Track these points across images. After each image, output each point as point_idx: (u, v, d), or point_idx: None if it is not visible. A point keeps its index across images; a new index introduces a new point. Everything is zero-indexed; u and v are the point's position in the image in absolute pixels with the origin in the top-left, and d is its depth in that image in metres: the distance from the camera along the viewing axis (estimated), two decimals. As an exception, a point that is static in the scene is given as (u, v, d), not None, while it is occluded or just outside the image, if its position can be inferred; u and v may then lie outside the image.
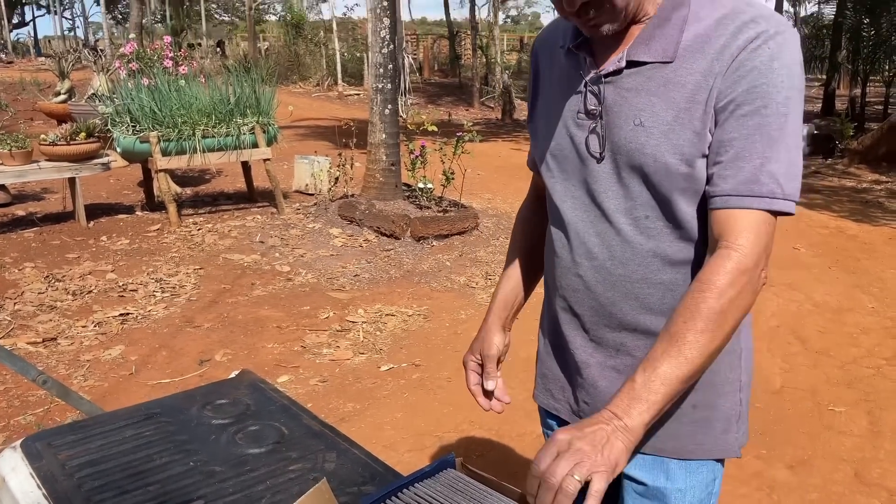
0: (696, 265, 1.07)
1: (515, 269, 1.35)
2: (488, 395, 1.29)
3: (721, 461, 1.20)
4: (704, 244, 1.05)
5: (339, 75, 20.43)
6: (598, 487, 0.85)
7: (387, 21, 5.77)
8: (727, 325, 0.96)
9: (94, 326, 3.94)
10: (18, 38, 39.91)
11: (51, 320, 4.00)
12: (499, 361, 1.30)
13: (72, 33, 38.67)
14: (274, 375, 3.50)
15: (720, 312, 0.95)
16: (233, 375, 1.71)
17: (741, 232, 0.97)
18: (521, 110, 16.12)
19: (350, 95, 19.30)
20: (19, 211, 6.20)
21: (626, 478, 1.20)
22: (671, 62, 1.01)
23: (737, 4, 1.01)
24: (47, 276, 4.62)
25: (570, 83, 1.12)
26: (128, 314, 4.12)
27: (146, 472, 1.24)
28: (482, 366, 1.29)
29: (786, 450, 2.85)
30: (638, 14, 1.04)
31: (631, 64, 1.04)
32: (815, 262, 5.35)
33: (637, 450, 1.10)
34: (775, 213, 0.99)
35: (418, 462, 2.80)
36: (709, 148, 1.00)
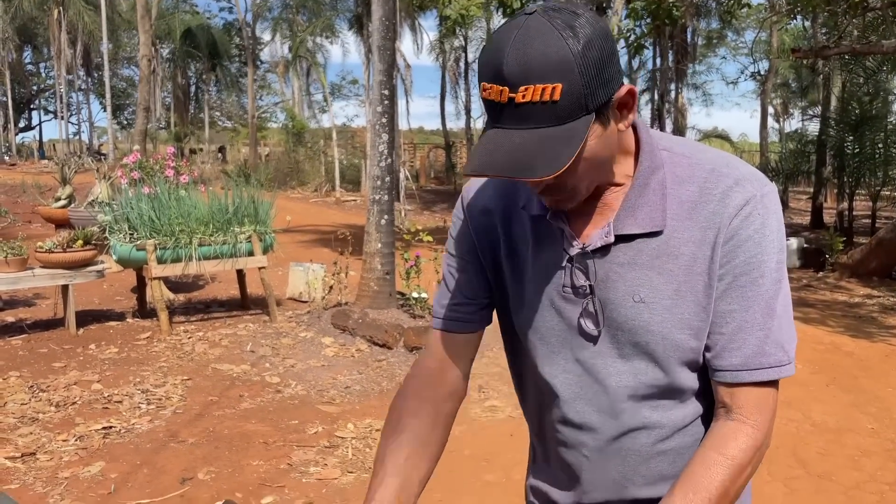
0: (701, 421, 1.06)
1: (401, 469, 1.06)
2: None
3: None
4: (705, 399, 1.05)
5: (338, 181, 20.92)
6: None
7: (385, 136, 5.97)
8: (738, 495, 0.98)
9: (76, 440, 3.82)
10: (23, 142, 41.05)
11: (31, 433, 3.88)
12: None
13: (76, 137, 39.83)
14: (258, 496, 3.36)
15: (739, 488, 0.97)
16: (213, 511, 1.64)
17: (754, 407, 0.98)
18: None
19: (347, 201, 19.68)
20: (9, 317, 6.16)
21: None
22: (661, 232, 0.98)
23: (715, 164, 0.98)
24: (31, 387, 4.52)
25: (545, 252, 1.04)
26: (111, 427, 4.00)
27: None
28: None
29: (793, 585, 2.71)
30: (603, 187, 1.00)
31: (619, 238, 0.99)
32: (812, 378, 5.29)
33: None
34: (778, 381, 1.00)
35: None
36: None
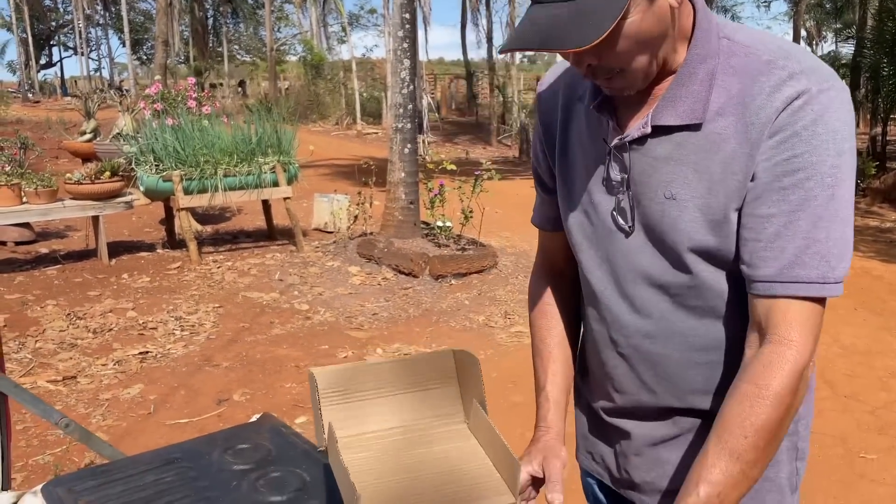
0: (737, 341, 0.97)
1: (558, 369, 1.17)
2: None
3: None
4: (743, 318, 0.95)
5: (358, 114, 20.72)
6: None
7: (407, 62, 5.85)
8: (784, 430, 0.90)
9: (114, 365, 3.94)
10: (45, 79, 41.03)
11: (71, 358, 4.01)
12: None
13: (97, 73, 39.68)
14: (291, 416, 3.46)
15: (780, 422, 0.88)
16: (254, 419, 1.69)
17: (791, 325, 0.88)
18: (539, 149, 16.18)
19: (368, 134, 19.54)
20: (43, 248, 6.28)
21: None
22: (700, 125, 0.90)
23: (773, 56, 0.89)
24: (69, 314, 4.65)
25: (593, 145, 1.02)
26: (147, 353, 4.12)
27: (166, 519, 1.21)
28: (535, 480, 1.08)
29: (816, 497, 2.77)
30: (664, 72, 0.93)
31: (657, 129, 0.93)
32: (840, 302, 5.25)
33: None
34: (822, 299, 0.89)
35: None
36: (746, 223, 0.91)
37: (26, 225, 6.24)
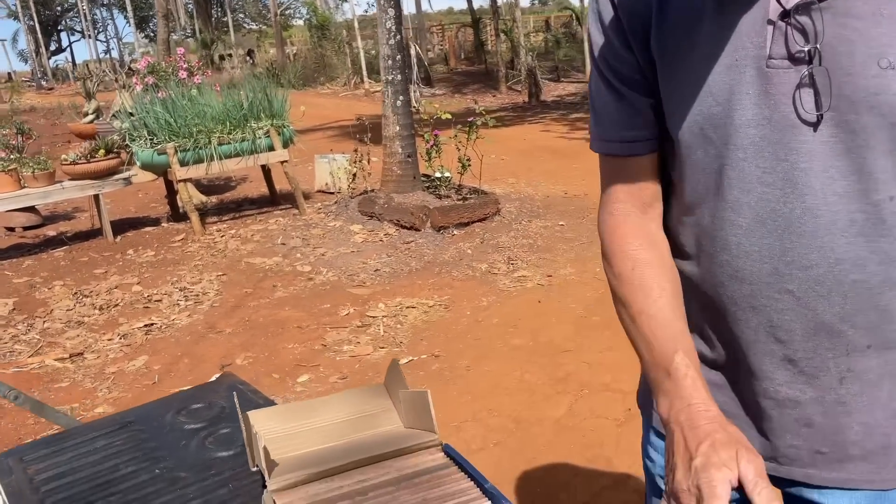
0: None
1: (685, 340, 0.84)
2: None
3: None
4: None
5: (365, 73, 20.48)
6: None
7: (392, 11, 5.72)
8: None
9: (120, 339, 4.00)
10: (57, 65, 41.10)
11: (78, 336, 4.07)
12: None
13: (107, 55, 39.57)
14: (294, 375, 3.49)
15: None
16: (213, 378, 1.68)
17: None
18: (549, 91, 15.92)
19: (376, 92, 19.32)
20: (50, 231, 6.35)
21: None
22: None
23: None
24: (75, 293, 4.71)
25: (732, 15, 0.76)
26: (152, 325, 4.17)
27: (111, 482, 1.22)
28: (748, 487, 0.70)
29: None
30: None
31: None
32: None
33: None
34: None
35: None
36: None
37: (32, 209, 6.30)
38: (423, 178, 6.12)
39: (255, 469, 1.00)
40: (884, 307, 0.79)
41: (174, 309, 4.39)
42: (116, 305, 4.49)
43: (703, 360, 0.92)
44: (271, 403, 1.49)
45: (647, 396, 1.04)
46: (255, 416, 1.11)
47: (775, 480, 0.90)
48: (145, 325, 4.15)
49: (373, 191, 6.23)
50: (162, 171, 5.97)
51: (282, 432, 1.10)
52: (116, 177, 5.68)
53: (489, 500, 0.87)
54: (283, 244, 5.48)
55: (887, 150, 0.73)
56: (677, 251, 0.92)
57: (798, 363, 0.84)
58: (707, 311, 0.90)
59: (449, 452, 0.97)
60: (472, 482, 0.91)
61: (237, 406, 1.03)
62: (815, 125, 0.74)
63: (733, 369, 0.90)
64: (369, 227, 5.64)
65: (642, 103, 0.88)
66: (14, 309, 4.49)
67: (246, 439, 1.03)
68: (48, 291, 4.78)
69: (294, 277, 4.80)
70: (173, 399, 1.52)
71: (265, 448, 0.95)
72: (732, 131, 0.78)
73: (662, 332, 0.84)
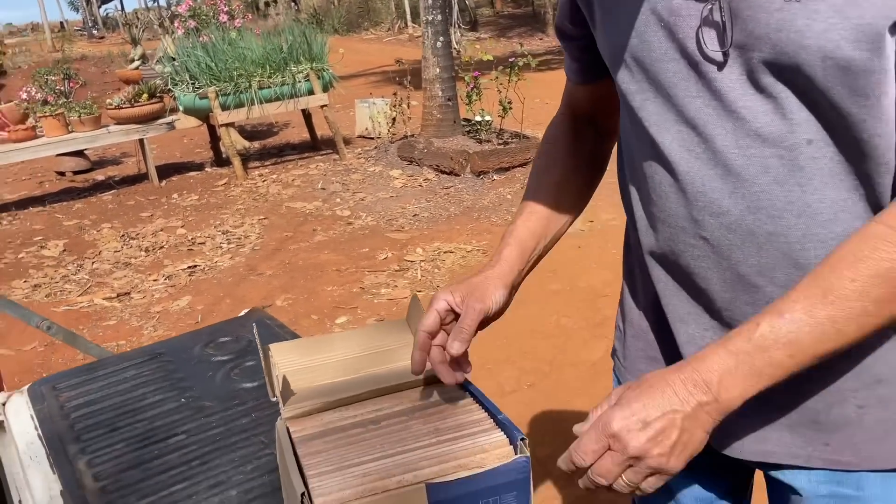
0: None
1: (539, 210, 0.95)
2: (444, 356, 0.90)
3: None
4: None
5: (409, 17, 20.14)
6: (656, 486, 0.70)
7: (432, -51, 5.55)
8: None
9: (165, 280, 4.09)
10: (108, 14, 41.44)
11: (125, 276, 4.18)
12: (483, 324, 0.90)
13: (155, 3, 39.73)
14: (332, 317, 3.53)
15: None
16: (242, 313, 1.70)
17: None
18: (594, 35, 15.41)
19: (420, 37, 19.04)
20: (99, 175, 6.50)
21: (791, 492, 0.85)
22: None
23: None
24: (123, 235, 4.83)
25: None
26: (195, 266, 4.25)
27: (138, 409, 1.24)
28: (458, 315, 0.89)
29: None
30: None
31: None
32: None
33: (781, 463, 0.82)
34: None
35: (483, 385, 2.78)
36: None
37: (81, 154, 6.44)
38: (463, 122, 6.03)
39: (274, 399, 1.00)
40: (805, 264, 0.73)
41: (217, 251, 4.47)
42: (162, 248, 4.59)
43: (638, 305, 0.95)
44: (296, 337, 1.49)
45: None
46: (275, 348, 1.11)
47: (734, 466, 0.88)
48: (189, 267, 4.24)
49: (412, 135, 6.17)
50: (204, 115, 6.01)
51: (301, 364, 1.10)
52: (160, 121, 5.74)
53: (501, 430, 0.85)
54: (323, 189, 5.50)
55: (798, 89, 0.67)
56: (626, 198, 0.92)
57: (718, 313, 0.81)
58: (638, 254, 0.90)
59: (464, 385, 0.95)
60: (486, 413, 0.89)
61: (256, 337, 1.02)
62: (720, 64, 0.70)
63: (661, 316, 0.88)
64: (408, 173, 5.61)
65: (580, 46, 0.94)
66: (64, 250, 4.63)
67: (265, 370, 1.03)
68: (97, 234, 4.91)
69: (333, 222, 4.83)
70: (202, 332, 1.54)
71: (281, 377, 0.95)
72: (649, 65, 0.76)
73: (520, 208, 0.97)
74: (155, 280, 4.10)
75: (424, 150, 5.63)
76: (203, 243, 4.62)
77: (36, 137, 5.41)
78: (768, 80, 0.69)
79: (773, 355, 0.66)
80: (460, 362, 0.90)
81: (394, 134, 6.41)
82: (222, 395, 1.26)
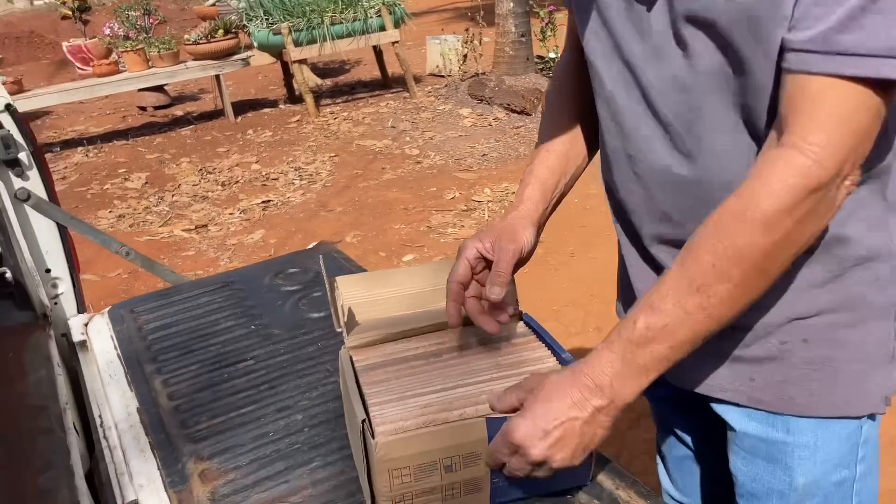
0: None
1: (556, 148, 0.94)
2: (481, 307, 0.88)
3: (872, 416, 0.83)
4: None
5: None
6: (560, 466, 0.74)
7: None
8: (775, 269, 0.67)
9: (240, 213, 4.21)
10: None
11: (202, 209, 4.32)
12: (517, 265, 0.89)
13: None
14: (400, 254, 3.57)
15: (767, 253, 0.65)
16: (311, 246, 1.72)
17: (818, 121, 0.62)
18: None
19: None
20: (178, 111, 6.66)
21: (729, 428, 0.89)
22: None
23: None
24: (200, 170, 4.97)
25: None
26: (269, 201, 4.35)
27: (210, 334, 1.29)
28: (489, 263, 0.87)
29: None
30: None
31: None
32: None
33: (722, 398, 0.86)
34: (885, 85, 0.61)
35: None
36: None
37: (162, 90, 6.60)
38: (536, 60, 5.86)
39: (339, 330, 1.02)
40: (717, 204, 0.71)
41: (289, 187, 4.55)
42: (237, 182, 4.70)
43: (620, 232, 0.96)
44: (362, 271, 1.51)
45: None
46: (342, 280, 1.12)
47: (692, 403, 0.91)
48: (263, 202, 4.34)
49: (484, 73, 6.05)
50: (278, 52, 6.04)
51: (365, 297, 1.10)
52: (235, 57, 5.80)
53: (563, 368, 0.83)
54: (393, 127, 5.49)
55: (705, 38, 0.69)
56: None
57: (647, 249, 0.87)
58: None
59: (528, 321, 0.94)
60: (549, 350, 0.88)
61: (323, 270, 1.03)
62: (649, 4, 0.73)
63: (622, 243, 0.94)
64: (478, 111, 5.53)
65: None
66: (146, 182, 4.80)
67: (331, 301, 1.04)
68: (176, 167, 5.07)
69: (402, 160, 4.83)
70: (272, 263, 1.57)
71: (346, 308, 0.96)
72: (599, 3, 0.79)
73: (537, 149, 0.96)
74: (231, 213, 4.22)
75: (495, 88, 5.52)
76: (276, 179, 4.70)
77: (118, 72, 5.56)
78: (685, 29, 0.70)
79: (654, 350, 0.69)
80: (502, 307, 0.88)
81: (465, 72, 6.30)
82: (290, 324, 1.29)
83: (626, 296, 0.98)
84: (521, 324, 0.95)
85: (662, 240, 0.84)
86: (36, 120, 6.76)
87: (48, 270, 1.39)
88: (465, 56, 6.19)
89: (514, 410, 0.76)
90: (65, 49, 5.94)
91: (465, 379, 0.84)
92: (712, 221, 0.68)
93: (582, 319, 2.79)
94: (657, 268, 0.87)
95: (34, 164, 1.33)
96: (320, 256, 1.10)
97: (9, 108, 1.28)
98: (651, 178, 0.81)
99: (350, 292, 1.11)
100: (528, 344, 0.90)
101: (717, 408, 0.88)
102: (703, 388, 0.87)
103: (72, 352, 1.35)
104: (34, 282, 1.35)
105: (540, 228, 0.93)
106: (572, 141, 0.96)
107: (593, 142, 0.96)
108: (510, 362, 0.87)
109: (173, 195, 4.57)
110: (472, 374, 0.85)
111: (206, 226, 4.08)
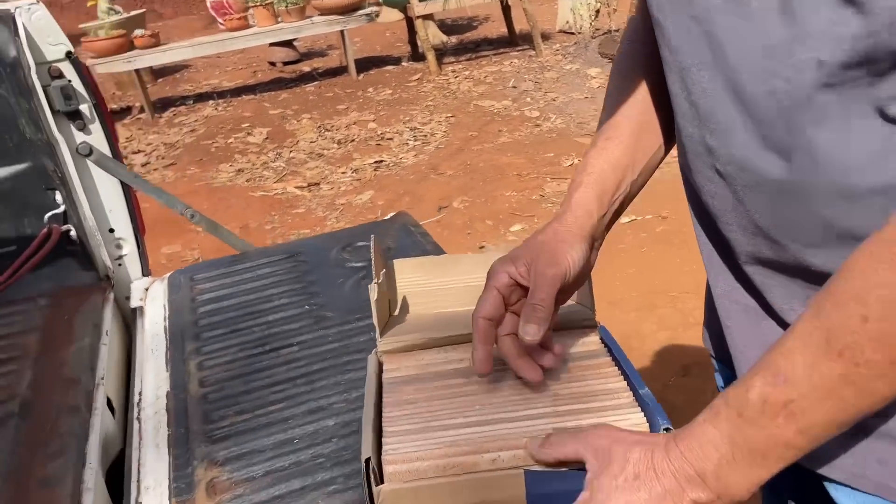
0: None
1: (622, 133, 0.72)
2: (519, 347, 0.66)
3: None
4: None
5: None
6: None
7: None
8: None
9: (352, 173, 4.17)
10: None
11: (317, 167, 4.31)
12: (562, 294, 0.67)
13: None
14: (508, 224, 3.38)
15: None
16: (388, 217, 1.58)
17: None
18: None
19: (638, -77, 17.41)
20: (305, 67, 6.74)
21: None
22: None
23: None
24: (319, 127, 4.98)
25: None
26: (381, 162, 4.27)
27: (261, 311, 1.18)
28: (526, 290, 0.66)
29: None
30: None
31: None
32: None
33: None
34: None
35: (644, 320, 2.52)
36: None
37: (291, 45, 6.69)
38: (676, 17, 5.39)
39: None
40: (832, 223, 0.53)
41: (403, 148, 4.45)
42: (352, 141, 4.67)
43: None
44: (440, 250, 1.34)
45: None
46: (400, 265, 0.96)
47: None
48: (375, 162, 4.27)
49: (617, 30, 5.65)
50: (403, 6, 5.92)
51: (422, 286, 0.94)
52: (360, 13, 5.74)
53: (642, 410, 0.63)
54: (515, 87, 5.24)
55: None
56: None
57: (742, 269, 0.64)
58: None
59: (604, 338, 0.74)
60: (625, 382, 0.68)
61: (372, 249, 0.88)
62: None
63: (706, 256, 0.71)
64: (608, 72, 5.15)
65: None
66: (267, 138, 4.87)
67: (371, 290, 0.86)
68: (297, 123, 5.11)
69: (521, 123, 4.59)
70: (342, 234, 1.44)
71: (379, 302, 0.80)
72: None
73: (594, 154, 0.72)
74: (343, 172, 4.18)
75: (628, 47, 5.13)
76: (391, 139, 4.62)
77: (248, 27, 5.66)
78: None
79: (774, 434, 0.48)
80: (547, 346, 0.67)
81: (596, 29, 5.91)
82: (346, 307, 1.16)
83: (713, 324, 0.75)
84: (595, 339, 0.75)
85: (760, 260, 0.61)
86: (175, 73, 7.08)
87: (111, 230, 1.33)
88: (598, 11, 5.80)
89: (561, 465, 0.57)
90: (208, 4, 6.12)
91: (510, 410, 0.66)
92: (863, 256, 0.46)
93: (700, 307, 2.50)
94: (756, 294, 0.64)
95: (96, 118, 1.26)
96: (372, 237, 0.94)
97: (69, 55, 1.21)
98: (737, 179, 0.58)
99: (406, 278, 0.95)
100: (601, 369, 0.71)
101: (831, 488, 0.64)
102: (813, 463, 0.62)
103: (134, 319, 1.28)
104: (97, 241, 1.30)
105: (596, 242, 0.71)
106: (644, 126, 0.73)
107: (672, 127, 0.70)
108: (573, 392, 0.68)
109: (291, 151, 4.60)
110: (521, 404, 0.66)
111: (318, 184, 4.07)
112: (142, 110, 5.71)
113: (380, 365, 0.76)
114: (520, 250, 0.68)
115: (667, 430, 0.59)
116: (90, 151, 1.25)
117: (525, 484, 0.58)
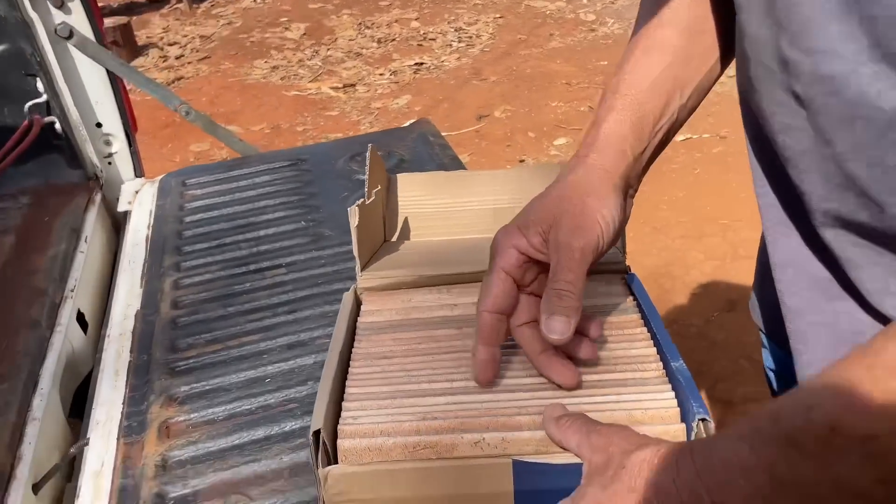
0: None
1: (668, 34, 0.56)
2: (541, 342, 0.50)
3: None
4: None
5: None
6: None
7: None
8: None
9: (390, 75, 3.96)
10: None
11: (354, 67, 4.11)
12: (594, 260, 0.50)
13: None
14: (551, 137, 3.18)
15: None
16: (407, 124, 1.42)
17: None
18: None
19: None
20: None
21: None
22: None
23: None
24: (359, 24, 4.72)
25: None
26: (421, 64, 4.04)
27: (252, 225, 1.06)
28: (542, 266, 0.51)
29: None
30: None
31: None
32: None
33: None
34: None
35: (690, 248, 2.34)
36: None
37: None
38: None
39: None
40: None
41: (445, 50, 4.20)
42: (393, 40, 4.42)
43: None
44: (459, 165, 1.19)
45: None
46: (405, 180, 0.82)
47: None
48: (415, 64, 4.04)
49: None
50: None
51: (429, 206, 0.80)
52: None
53: (672, 388, 0.49)
54: (571, -13, 4.87)
55: None
56: None
57: (818, 229, 0.47)
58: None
59: (635, 290, 0.59)
60: (655, 349, 0.53)
61: (368, 160, 0.74)
62: None
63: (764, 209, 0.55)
64: (674, -26, 4.74)
65: None
66: (305, 34, 4.65)
67: (351, 214, 0.71)
68: (336, 20, 4.85)
69: (574, 27, 4.27)
70: (353, 141, 1.30)
71: (364, 227, 0.66)
72: None
73: (621, 68, 0.56)
74: (381, 74, 3.97)
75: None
76: (434, 39, 4.36)
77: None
78: None
79: (842, 476, 0.32)
80: (577, 330, 0.48)
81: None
82: (346, 225, 1.02)
83: (766, 295, 0.60)
84: (621, 289, 0.60)
85: (844, 222, 0.45)
86: (216, -38, 6.79)
87: (99, 125, 1.20)
88: None
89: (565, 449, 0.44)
90: None
91: (506, 376, 0.52)
92: None
93: (755, 238, 2.30)
94: (833, 266, 0.47)
95: (77, -4, 1.11)
96: (370, 145, 0.79)
97: (42, -78, 1.05)
98: (827, 107, 0.41)
99: (408, 196, 0.81)
100: (626, 329, 0.56)
101: None
102: None
103: (123, 224, 1.17)
104: (82, 136, 1.17)
105: (631, 189, 0.54)
106: (696, 27, 0.55)
107: (733, 29, 0.52)
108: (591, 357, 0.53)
109: (328, 49, 4.39)
110: (520, 370, 0.53)
111: (354, 85, 3.88)
112: (179, 0, 5.50)
113: (358, 305, 0.63)
114: (532, 213, 0.51)
115: (703, 420, 0.45)
116: (70, 34, 1.11)
117: (513, 477, 0.45)
